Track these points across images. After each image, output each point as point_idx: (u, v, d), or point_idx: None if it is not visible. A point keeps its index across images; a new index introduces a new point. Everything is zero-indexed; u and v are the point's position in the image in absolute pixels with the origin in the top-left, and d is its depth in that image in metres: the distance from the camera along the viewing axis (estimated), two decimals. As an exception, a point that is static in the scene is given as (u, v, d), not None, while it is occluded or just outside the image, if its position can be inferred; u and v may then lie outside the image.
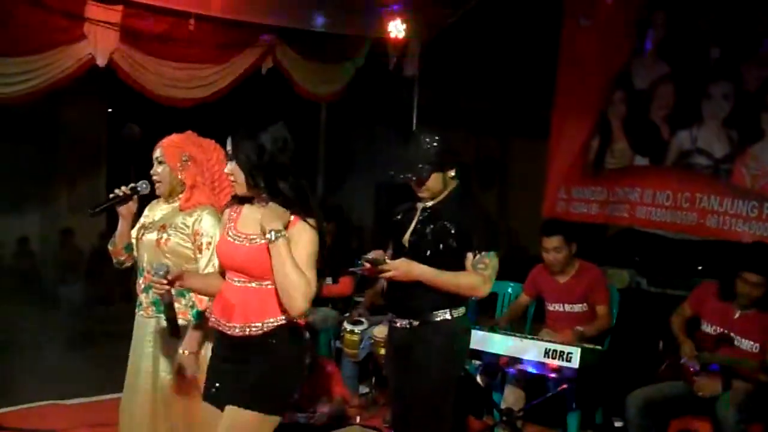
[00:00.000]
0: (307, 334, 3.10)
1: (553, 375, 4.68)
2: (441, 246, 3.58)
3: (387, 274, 3.53)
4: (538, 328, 5.41)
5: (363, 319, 5.93)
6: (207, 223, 3.60)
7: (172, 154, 3.67)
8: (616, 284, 5.82)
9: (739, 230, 5.46)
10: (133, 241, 3.77)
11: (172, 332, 3.37)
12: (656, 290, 6.39)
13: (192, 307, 3.59)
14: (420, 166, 3.59)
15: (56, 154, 11.48)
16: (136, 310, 3.75)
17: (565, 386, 4.82)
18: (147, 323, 3.68)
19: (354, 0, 6.47)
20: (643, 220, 6.22)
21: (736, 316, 4.56)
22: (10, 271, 10.25)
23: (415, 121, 7.24)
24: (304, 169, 3.04)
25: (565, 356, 4.51)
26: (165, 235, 3.62)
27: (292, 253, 2.84)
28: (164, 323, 3.45)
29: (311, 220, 2.93)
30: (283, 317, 2.94)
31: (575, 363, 4.47)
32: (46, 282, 10.55)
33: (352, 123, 9.91)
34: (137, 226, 3.76)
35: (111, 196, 3.63)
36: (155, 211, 3.77)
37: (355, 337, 5.82)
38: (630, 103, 6.47)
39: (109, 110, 11.63)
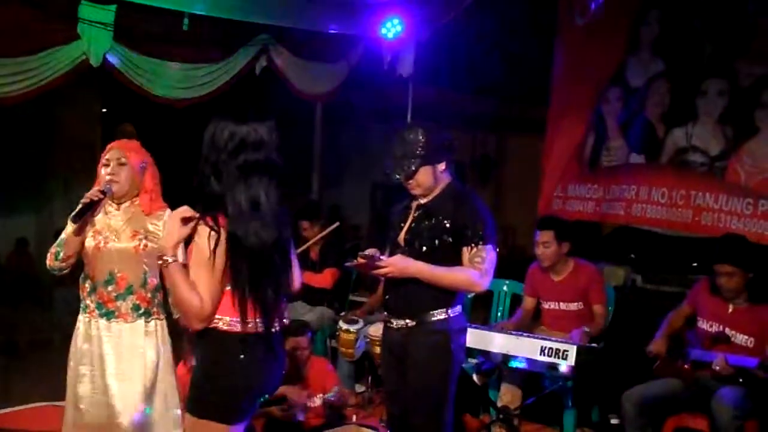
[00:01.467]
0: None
1: (549, 373, 4.68)
2: (437, 242, 3.55)
3: (383, 270, 3.50)
4: (534, 325, 5.42)
5: (358, 318, 5.93)
6: None
7: (134, 157, 3.73)
8: (612, 282, 5.84)
9: (734, 227, 5.46)
10: (89, 246, 3.70)
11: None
12: (652, 287, 6.41)
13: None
14: (407, 160, 3.56)
15: (51, 155, 11.45)
16: (92, 320, 3.70)
17: (561, 384, 4.82)
18: (119, 332, 3.68)
19: (348, -1, 6.45)
20: (639, 218, 6.22)
21: (730, 310, 4.58)
22: (7, 272, 10.22)
23: (409, 119, 7.23)
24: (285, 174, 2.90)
25: (561, 354, 4.51)
26: (141, 242, 3.65)
27: (184, 275, 2.75)
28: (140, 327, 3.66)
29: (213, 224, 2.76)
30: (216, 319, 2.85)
31: (571, 361, 4.48)
32: (42, 283, 10.52)
33: (347, 122, 9.91)
34: (91, 233, 3.71)
35: (85, 201, 3.59)
36: (106, 217, 3.74)
37: (351, 337, 5.82)
38: (625, 101, 6.48)
39: (104, 110, 11.60)
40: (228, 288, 2.81)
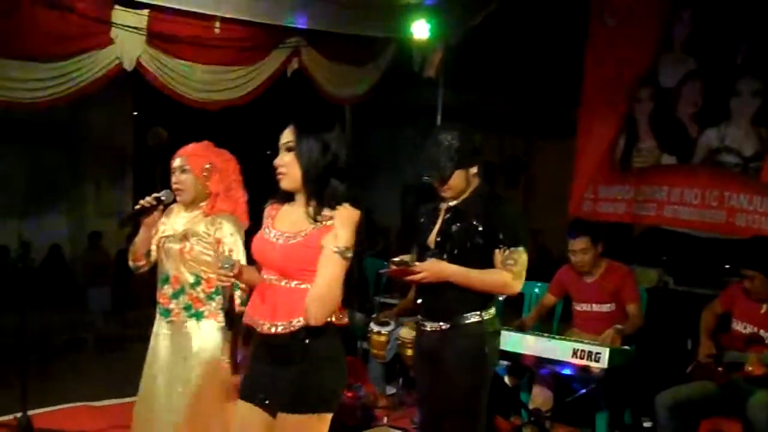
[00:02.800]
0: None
1: (581, 375, 4.66)
2: (468, 245, 3.54)
3: (417, 276, 3.48)
4: (565, 328, 5.41)
5: (390, 320, 5.93)
6: (227, 231, 3.68)
7: (196, 162, 3.73)
8: (644, 284, 5.79)
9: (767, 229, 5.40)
10: (153, 248, 3.82)
11: (229, 325, 3.55)
12: (684, 289, 6.35)
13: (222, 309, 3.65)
14: (442, 163, 3.54)
15: (83, 158, 11.58)
16: (159, 318, 3.79)
17: (593, 386, 4.80)
18: (173, 331, 3.74)
19: (379, 2, 6.46)
20: (671, 219, 6.16)
21: (763, 311, 4.54)
22: (41, 274, 10.35)
23: (439, 121, 7.24)
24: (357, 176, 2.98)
25: (593, 356, 4.49)
26: (188, 244, 3.68)
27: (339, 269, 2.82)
28: (192, 328, 3.65)
29: None
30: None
31: (604, 363, 4.45)
32: (75, 285, 10.65)
33: (377, 124, 9.93)
34: (157, 234, 3.79)
35: (137, 207, 3.68)
36: (174, 219, 3.81)
37: (383, 338, 5.83)
38: (657, 101, 6.42)
39: (135, 113, 11.72)
40: None
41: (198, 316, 3.71)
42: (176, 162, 3.76)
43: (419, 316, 3.76)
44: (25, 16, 5.17)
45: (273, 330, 2.90)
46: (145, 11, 5.61)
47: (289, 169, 2.92)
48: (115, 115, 11.41)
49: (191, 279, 3.70)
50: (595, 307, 5.18)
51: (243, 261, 3.57)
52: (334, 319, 2.90)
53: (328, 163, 2.88)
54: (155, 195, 3.72)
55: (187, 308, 3.70)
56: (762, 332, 4.50)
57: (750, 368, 4.30)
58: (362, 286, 6.31)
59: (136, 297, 9.98)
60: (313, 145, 2.88)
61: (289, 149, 2.91)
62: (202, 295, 3.71)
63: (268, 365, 2.96)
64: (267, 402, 2.95)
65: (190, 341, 3.70)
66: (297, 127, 2.92)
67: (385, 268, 3.64)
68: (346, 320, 2.94)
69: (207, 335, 3.69)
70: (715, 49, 5.92)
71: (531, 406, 5.07)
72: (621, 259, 5.40)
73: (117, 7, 5.51)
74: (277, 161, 2.95)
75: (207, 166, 3.73)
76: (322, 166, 2.88)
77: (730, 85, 5.79)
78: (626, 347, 4.81)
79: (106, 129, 11.50)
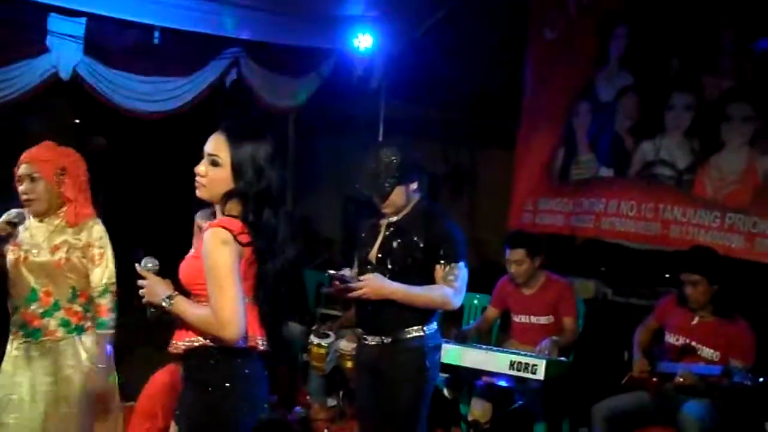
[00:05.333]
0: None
1: (519, 387, 4.70)
2: (409, 260, 3.57)
3: (358, 293, 3.47)
4: (504, 339, 5.45)
5: (329, 332, 5.92)
6: (97, 234, 3.53)
7: (46, 168, 3.49)
8: (582, 295, 5.86)
9: (701, 240, 5.50)
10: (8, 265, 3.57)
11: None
12: (621, 300, 6.44)
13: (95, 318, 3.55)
14: (382, 180, 3.56)
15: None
16: (21, 341, 3.55)
17: (531, 397, 4.84)
18: (41, 352, 3.53)
19: (319, 12, 6.46)
20: (608, 231, 6.24)
21: (694, 322, 4.62)
22: None
23: (381, 132, 7.25)
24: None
25: (530, 368, 4.51)
26: (62, 256, 3.49)
27: (187, 303, 2.69)
28: (70, 344, 3.53)
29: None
30: (201, 338, 2.70)
31: (541, 375, 4.48)
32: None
33: (319, 135, 9.89)
34: (11, 247, 3.55)
35: None
36: (30, 233, 3.56)
37: (322, 350, 5.81)
38: (595, 115, 6.52)
39: (76, 121, 11.51)
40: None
41: (79, 330, 3.54)
42: (22, 169, 3.50)
43: (360, 330, 3.76)
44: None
45: (172, 349, 2.79)
46: (83, 19, 5.52)
47: (209, 183, 2.74)
48: (54, 123, 11.19)
49: (68, 293, 3.51)
50: (533, 319, 5.23)
51: (113, 265, 3.52)
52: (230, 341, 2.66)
53: (261, 190, 2.71)
54: (6, 220, 3.49)
55: (65, 324, 3.50)
56: (694, 343, 4.58)
57: (681, 379, 4.38)
58: (301, 297, 6.29)
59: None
60: (248, 167, 2.69)
61: (214, 163, 2.72)
62: (79, 309, 3.53)
63: (183, 387, 2.84)
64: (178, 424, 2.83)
65: (66, 359, 3.50)
66: (229, 142, 2.71)
67: (325, 289, 3.64)
68: (252, 343, 2.73)
69: (89, 349, 3.54)
70: (649, 64, 6.04)
71: (470, 418, 5.08)
72: (561, 271, 5.46)
73: (53, 14, 5.41)
74: (199, 170, 2.76)
75: (57, 170, 3.50)
76: (254, 193, 2.70)
77: (664, 99, 5.91)
78: (563, 358, 4.87)
79: (46, 138, 11.25)
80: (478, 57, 8.77)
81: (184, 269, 2.78)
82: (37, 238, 3.53)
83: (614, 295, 6.54)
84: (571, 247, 7.78)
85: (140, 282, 2.75)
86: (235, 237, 2.64)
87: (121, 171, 8.91)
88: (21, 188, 3.50)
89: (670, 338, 4.70)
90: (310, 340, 5.91)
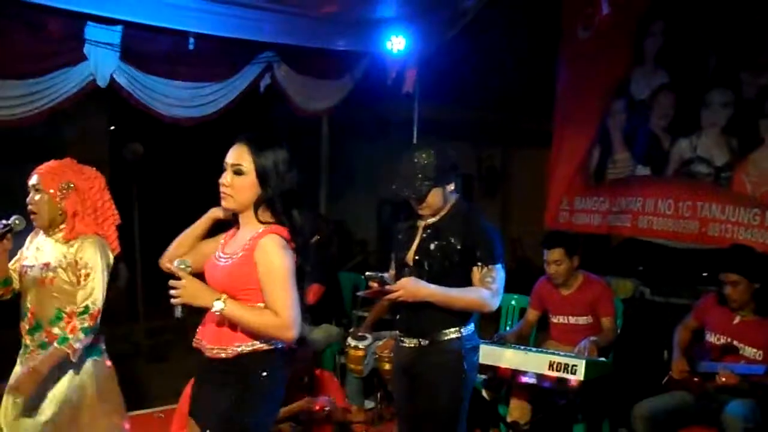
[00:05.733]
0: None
1: (558, 387, 4.67)
2: (446, 263, 3.56)
3: (394, 295, 3.47)
4: (542, 339, 5.42)
5: (367, 335, 5.92)
6: (88, 253, 3.43)
7: (51, 181, 3.47)
8: (620, 294, 5.83)
9: (741, 238, 5.45)
10: (15, 276, 3.56)
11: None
12: (660, 300, 6.39)
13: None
14: (418, 182, 3.55)
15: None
16: (21, 356, 3.52)
17: (570, 398, 4.81)
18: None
19: (352, 15, 6.47)
20: (645, 230, 6.21)
21: (736, 321, 4.58)
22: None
23: (415, 134, 7.25)
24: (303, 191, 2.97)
25: (570, 369, 4.49)
26: (51, 274, 3.43)
27: (243, 308, 2.79)
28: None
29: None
30: (255, 343, 2.84)
31: (580, 375, 4.46)
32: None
33: (353, 138, 9.93)
34: (17, 258, 3.57)
35: None
36: (36, 246, 3.57)
37: (360, 353, 5.80)
38: (630, 113, 6.48)
39: (111, 128, 11.63)
40: (262, 305, 2.82)
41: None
42: (31, 180, 3.51)
43: (397, 332, 3.76)
44: (-2, 35, 5.14)
45: (215, 354, 2.87)
46: (119, 27, 5.58)
47: (236, 192, 2.88)
48: (91, 130, 11.32)
49: (51, 314, 3.42)
50: (572, 320, 5.21)
51: (100, 288, 3.41)
52: (278, 344, 2.85)
53: (285, 192, 2.87)
54: (4, 222, 3.47)
55: (42, 346, 3.41)
56: (736, 342, 4.53)
57: (723, 378, 4.34)
58: (338, 300, 6.31)
59: (112, 313, 9.92)
60: (272, 173, 2.85)
61: (238, 173, 2.86)
62: (60, 333, 3.40)
63: (210, 387, 2.91)
64: (203, 425, 2.89)
65: (44, 384, 3.37)
66: (251, 151, 2.86)
67: (362, 291, 3.66)
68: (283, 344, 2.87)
69: (66, 377, 3.42)
70: (686, 62, 5.99)
71: (509, 419, 5.07)
72: (598, 270, 5.44)
73: (90, 23, 5.48)
74: (224, 181, 2.89)
75: (63, 184, 3.47)
76: (280, 195, 2.86)
77: (700, 97, 5.86)
78: (603, 359, 4.83)
79: (82, 144, 11.40)
80: (510, 58, 8.78)
81: (230, 274, 2.85)
82: (39, 254, 3.53)
83: (652, 294, 6.49)
84: (607, 247, 7.74)
85: (173, 282, 2.81)
86: (287, 242, 2.82)
87: (157, 177, 9.01)
88: (27, 199, 3.52)
89: (711, 337, 4.66)
90: (347, 343, 5.90)
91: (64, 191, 3.47)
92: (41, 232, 3.57)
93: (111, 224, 3.60)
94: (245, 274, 2.81)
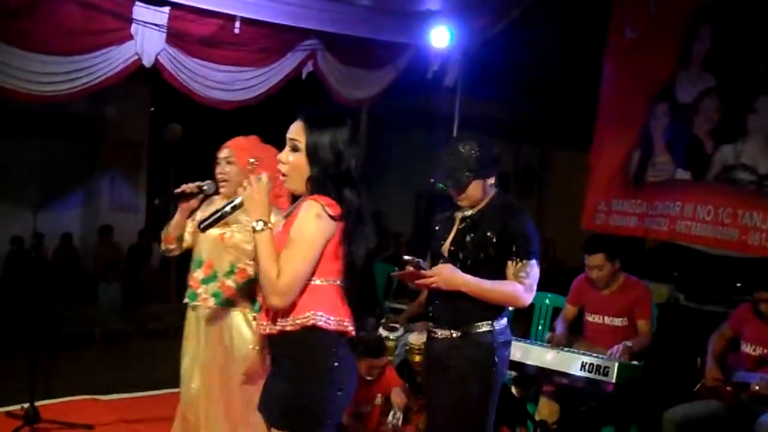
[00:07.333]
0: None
1: (588, 389, 4.63)
2: (482, 255, 3.54)
3: (428, 280, 3.46)
4: (574, 338, 5.38)
5: (398, 326, 5.93)
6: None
7: (242, 155, 3.82)
8: (655, 299, 5.75)
9: (782, 249, 5.37)
10: (186, 235, 3.91)
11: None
12: (694, 306, 6.32)
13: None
14: (460, 173, 3.54)
15: (98, 152, 11.64)
16: (188, 302, 3.85)
17: (600, 400, 4.77)
18: (201, 316, 3.81)
19: (397, 6, 6.46)
20: (683, 235, 6.12)
21: None
22: (52, 265, 10.40)
23: (456, 128, 7.23)
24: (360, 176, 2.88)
25: (602, 370, 4.45)
26: (229, 231, 3.73)
27: (270, 247, 2.68)
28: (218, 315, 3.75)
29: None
30: (298, 319, 2.71)
31: (612, 378, 4.41)
32: (85, 278, 10.69)
33: (392, 129, 9.93)
34: (195, 219, 3.86)
35: (177, 191, 3.79)
36: (214, 208, 3.76)
37: (391, 344, 5.82)
38: (672, 117, 6.39)
39: (152, 109, 11.75)
40: (319, 282, 2.74)
41: (227, 304, 3.76)
42: (222, 153, 3.87)
43: (430, 323, 3.75)
44: (46, 11, 5.20)
45: (268, 330, 2.79)
46: (166, 8, 5.63)
47: (292, 170, 2.81)
48: (132, 109, 11.46)
49: (226, 267, 3.75)
50: (607, 320, 5.15)
51: (242, 247, 3.71)
52: (323, 323, 2.71)
53: (340, 172, 2.77)
54: (198, 183, 3.82)
55: (215, 295, 3.75)
56: (772, 354, 4.48)
57: (757, 388, 4.28)
58: (371, 290, 6.31)
59: (146, 292, 10.03)
60: (325, 151, 2.75)
61: (294, 149, 2.80)
62: (233, 285, 3.75)
63: (271, 369, 2.88)
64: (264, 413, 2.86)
65: (222, 330, 3.76)
66: (308, 127, 2.78)
67: (396, 272, 3.64)
68: (342, 327, 2.76)
69: (237, 326, 3.76)
70: (734, 66, 5.89)
71: (537, 418, 5.04)
72: (632, 274, 5.38)
73: (138, 3, 5.53)
74: (281, 157, 2.85)
75: (252, 160, 3.80)
76: (332, 174, 2.76)
77: (748, 102, 5.76)
78: (635, 362, 4.78)
79: (123, 123, 11.55)
80: (554, 57, 8.72)
81: (276, 240, 2.76)
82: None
83: (687, 300, 6.42)
84: (642, 251, 7.67)
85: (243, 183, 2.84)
86: (323, 207, 2.69)
87: (195, 160, 9.07)
88: (217, 169, 3.87)
89: (747, 348, 4.60)
90: (378, 333, 5.93)
91: (253, 166, 3.80)
92: (216, 200, 3.89)
93: (284, 201, 3.80)
94: (285, 242, 2.73)
